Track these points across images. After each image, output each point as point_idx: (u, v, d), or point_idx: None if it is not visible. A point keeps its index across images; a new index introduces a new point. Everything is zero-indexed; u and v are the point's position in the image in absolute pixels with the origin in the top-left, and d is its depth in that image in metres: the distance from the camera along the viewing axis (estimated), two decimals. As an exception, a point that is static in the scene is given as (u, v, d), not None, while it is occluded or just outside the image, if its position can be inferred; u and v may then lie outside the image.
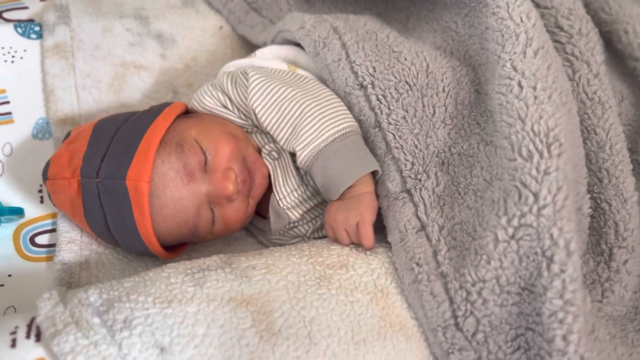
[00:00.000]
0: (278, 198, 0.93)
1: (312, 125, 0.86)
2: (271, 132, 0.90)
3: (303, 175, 0.93)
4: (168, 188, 0.85)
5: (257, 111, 0.89)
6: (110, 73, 1.10)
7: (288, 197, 0.93)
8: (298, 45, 1.00)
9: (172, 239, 0.89)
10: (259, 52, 1.02)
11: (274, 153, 0.94)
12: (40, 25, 1.11)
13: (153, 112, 0.91)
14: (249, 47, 1.18)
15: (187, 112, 0.97)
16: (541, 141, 0.76)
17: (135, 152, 0.84)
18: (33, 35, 1.10)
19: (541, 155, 0.75)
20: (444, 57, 0.93)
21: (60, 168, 0.88)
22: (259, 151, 0.95)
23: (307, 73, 0.97)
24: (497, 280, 0.75)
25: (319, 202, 0.94)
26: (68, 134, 0.96)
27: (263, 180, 0.93)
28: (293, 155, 0.92)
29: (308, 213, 0.95)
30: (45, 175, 0.90)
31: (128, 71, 1.11)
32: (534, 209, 0.73)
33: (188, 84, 1.14)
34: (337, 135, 0.86)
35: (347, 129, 0.87)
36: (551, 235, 0.72)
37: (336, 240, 0.86)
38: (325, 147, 0.85)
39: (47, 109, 1.06)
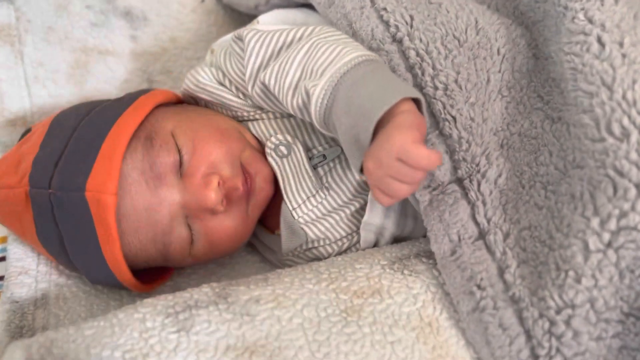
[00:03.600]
0: (291, 208, 0.78)
1: (329, 52, 0.67)
2: (277, 90, 0.71)
3: (322, 175, 0.78)
4: (129, 194, 0.71)
5: (255, 67, 0.74)
6: (68, 61, 1.00)
7: (304, 206, 0.77)
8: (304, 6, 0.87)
9: (138, 261, 0.76)
10: (261, 18, 0.87)
11: (281, 148, 0.78)
12: (-25, 5, 1.00)
13: (124, 102, 0.78)
14: (238, 22, 1.07)
15: (179, 102, 0.86)
16: (639, 113, 0.61)
17: (97, 155, 0.71)
18: (-32, 17, 0.97)
19: None
20: (492, 12, 0.78)
21: (5, 175, 0.76)
22: (262, 147, 0.80)
23: None
24: (591, 304, 0.60)
25: (347, 214, 0.78)
26: (25, 132, 0.83)
27: (265, 185, 0.78)
28: (307, 150, 0.78)
29: (332, 230, 0.78)
30: None
31: (91, 58, 1.01)
32: (639, 206, 0.59)
33: (166, 70, 1.05)
34: (362, 59, 0.65)
35: (374, 57, 0.67)
36: (665, 241, 0.58)
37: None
38: (348, 70, 0.64)
39: None
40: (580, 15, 0.68)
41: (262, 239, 0.86)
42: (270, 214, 0.82)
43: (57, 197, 0.70)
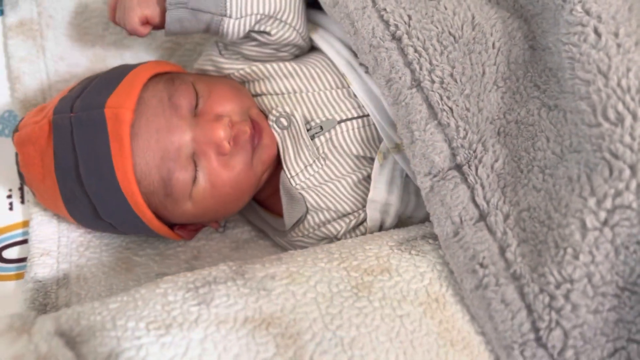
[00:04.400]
0: (289, 176, 0.81)
1: None
2: None
3: (319, 145, 0.81)
4: (145, 115, 0.74)
5: None
6: (88, 56, 0.99)
7: (301, 175, 0.81)
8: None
9: (142, 188, 0.76)
10: None
11: (282, 120, 0.81)
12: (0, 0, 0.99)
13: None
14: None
15: None
16: (633, 99, 0.62)
17: (120, 82, 0.75)
18: (-7, 12, 0.99)
19: (635, 117, 0.61)
20: (491, 6, 0.80)
21: (31, 116, 0.80)
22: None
23: (327, 33, 0.86)
24: (588, 279, 0.61)
25: (345, 185, 0.81)
26: None
27: (271, 144, 0.81)
28: (306, 122, 0.82)
29: (333, 201, 0.81)
30: (15, 129, 0.81)
31: (109, 53, 1.00)
32: (632, 186, 0.60)
33: (180, 65, 1.00)
34: None
35: None
36: (658, 219, 0.59)
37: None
38: None
39: (13, 100, 0.95)
40: (578, 8, 0.68)
41: (271, 223, 0.88)
42: (276, 200, 0.84)
43: (78, 117, 0.73)
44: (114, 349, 0.58)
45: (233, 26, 0.79)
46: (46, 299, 0.78)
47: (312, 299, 0.65)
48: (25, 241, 0.85)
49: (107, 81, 0.76)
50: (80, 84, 0.80)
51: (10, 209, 0.88)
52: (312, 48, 0.88)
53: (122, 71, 0.77)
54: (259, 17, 0.79)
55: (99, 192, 0.75)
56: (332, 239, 0.82)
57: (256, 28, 0.80)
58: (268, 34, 0.81)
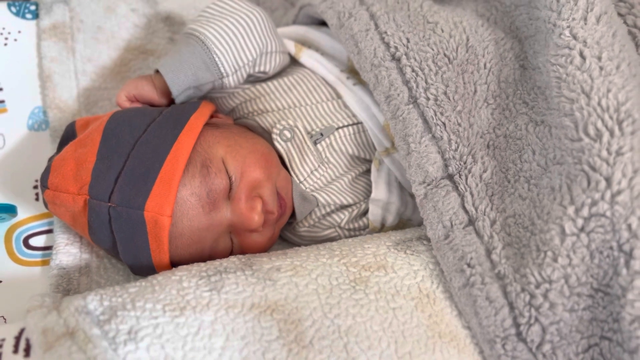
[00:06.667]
0: (298, 182, 0.86)
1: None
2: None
3: (322, 150, 0.87)
4: (186, 217, 0.76)
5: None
6: (114, 58, 1.04)
7: (309, 179, 0.87)
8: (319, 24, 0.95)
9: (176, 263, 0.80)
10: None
11: (285, 132, 0.87)
12: (36, 4, 1.04)
13: (177, 121, 0.80)
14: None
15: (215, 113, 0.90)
16: (611, 117, 0.67)
17: (156, 178, 0.74)
18: (28, 15, 1.03)
19: (612, 134, 0.66)
20: (486, 27, 0.84)
21: (63, 179, 0.78)
22: (269, 134, 0.88)
23: (316, 53, 0.92)
24: (565, 280, 0.65)
25: (346, 182, 0.87)
26: (70, 127, 0.87)
27: (289, 211, 0.87)
28: (308, 133, 0.88)
29: (339, 196, 0.87)
30: (44, 183, 0.80)
31: (134, 56, 1.05)
32: (607, 196, 0.64)
33: None
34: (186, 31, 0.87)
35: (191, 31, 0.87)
36: (629, 226, 0.63)
37: None
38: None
39: (43, 97, 0.99)
40: (566, 32, 0.73)
41: None
42: None
43: (117, 211, 0.74)
44: (133, 327, 0.63)
45: (233, 80, 0.87)
46: (69, 285, 0.82)
47: (313, 290, 0.69)
48: (50, 231, 0.89)
49: (143, 173, 0.74)
50: (111, 152, 0.77)
51: (37, 199, 0.92)
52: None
53: (156, 158, 0.75)
54: (251, 63, 0.87)
55: (133, 266, 0.79)
56: (336, 227, 0.87)
57: (252, 72, 0.88)
58: (264, 72, 0.89)
